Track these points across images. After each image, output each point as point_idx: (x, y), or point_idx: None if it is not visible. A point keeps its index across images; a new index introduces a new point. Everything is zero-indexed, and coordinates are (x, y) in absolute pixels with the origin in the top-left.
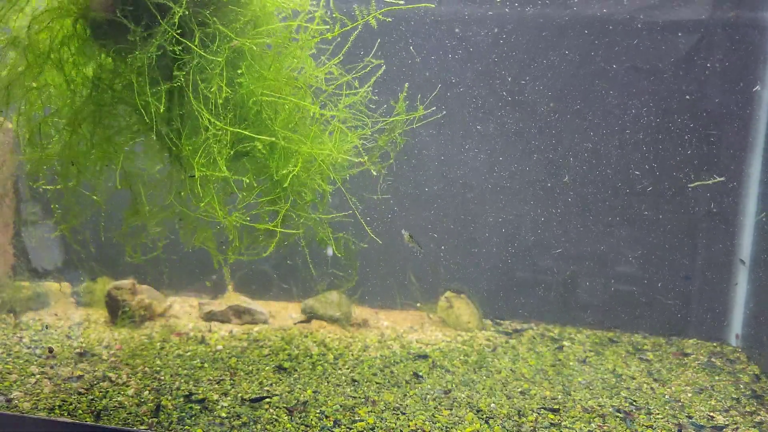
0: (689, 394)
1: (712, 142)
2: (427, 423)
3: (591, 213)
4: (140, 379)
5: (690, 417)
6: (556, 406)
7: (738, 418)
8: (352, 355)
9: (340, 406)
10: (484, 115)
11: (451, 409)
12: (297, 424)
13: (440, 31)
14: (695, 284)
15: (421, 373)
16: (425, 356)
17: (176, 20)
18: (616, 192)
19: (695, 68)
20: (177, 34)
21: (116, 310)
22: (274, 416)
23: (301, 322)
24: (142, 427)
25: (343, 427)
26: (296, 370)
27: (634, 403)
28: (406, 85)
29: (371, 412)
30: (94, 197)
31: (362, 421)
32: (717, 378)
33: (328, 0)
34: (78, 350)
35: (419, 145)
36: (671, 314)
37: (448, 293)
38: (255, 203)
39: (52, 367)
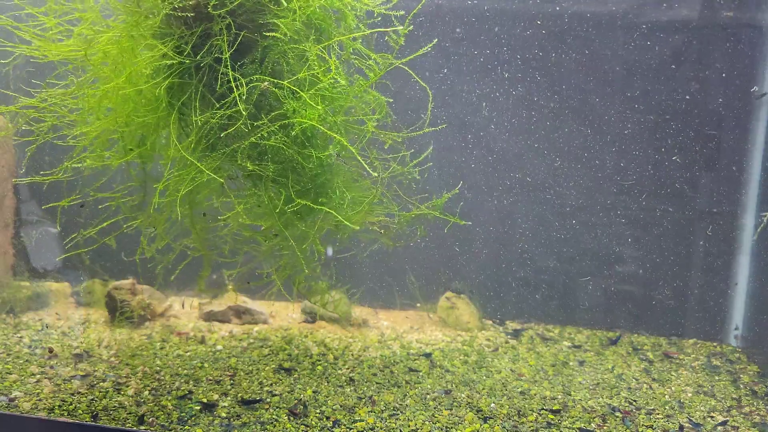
0: (689, 394)
1: (712, 142)
2: (427, 423)
3: (591, 213)
4: (140, 379)
5: (690, 417)
6: (556, 406)
7: (738, 418)
8: (352, 355)
9: (340, 406)
10: (483, 111)
11: (451, 409)
12: (297, 424)
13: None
14: (695, 284)
15: (417, 369)
16: (428, 355)
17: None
18: (617, 192)
19: (695, 68)
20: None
21: (116, 310)
22: (274, 416)
23: (307, 321)
24: (142, 427)
25: (343, 427)
26: (296, 370)
27: (634, 403)
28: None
29: (371, 412)
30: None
31: (362, 421)
32: (717, 378)
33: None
34: (77, 350)
35: (419, 146)
36: (671, 314)
37: (448, 293)
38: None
39: (52, 367)
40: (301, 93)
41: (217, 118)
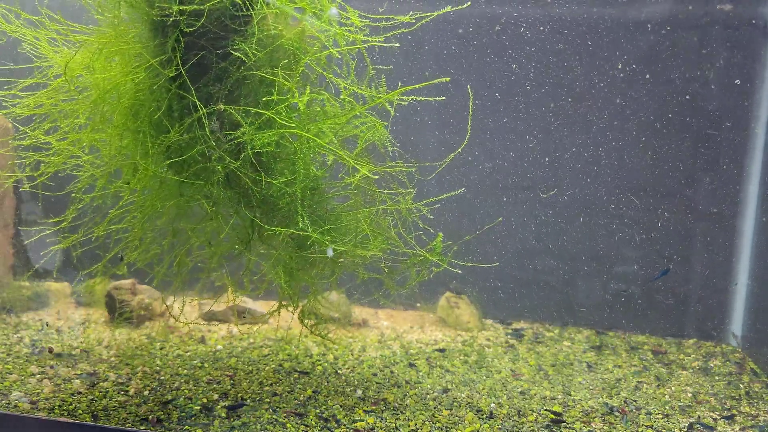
0: (689, 394)
1: (712, 141)
2: (427, 423)
3: (591, 213)
4: (140, 379)
5: (690, 417)
6: (556, 406)
7: (738, 418)
8: (352, 355)
9: (340, 406)
10: (482, 113)
11: (451, 409)
12: (297, 424)
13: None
14: (695, 284)
15: (417, 369)
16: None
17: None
18: (617, 192)
19: (695, 67)
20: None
21: (116, 310)
22: (274, 416)
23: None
24: (142, 427)
25: (343, 427)
26: (296, 370)
27: (634, 403)
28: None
29: (371, 412)
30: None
31: (362, 421)
32: (717, 378)
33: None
34: (77, 350)
35: (419, 143)
36: (671, 314)
37: (448, 293)
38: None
39: (52, 367)
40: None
41: (168, 141)
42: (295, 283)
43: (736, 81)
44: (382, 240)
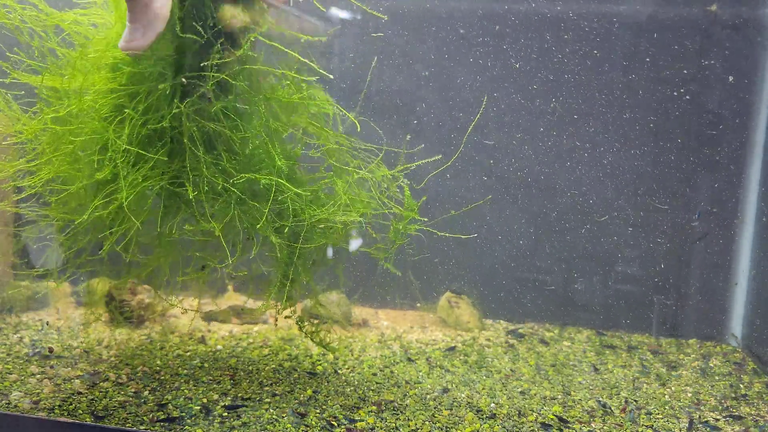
0: (689, 394)
1: (712, 142)
2: (427, 423)
3: (590, 213)
4: (140, 379)
5: (690, 417)
6: (556, 407)
7: (739, 418)
8: (352, 355)
9: (340, 406)
10: (485, 111)
11: (451, 409)
12: (297, 423)
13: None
14: (695, 284)
15: (417, 369)
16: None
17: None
18: (616, 192)
19: (695, 67)
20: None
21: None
22: (274, 416)
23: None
24: (142, 427)
25: (343, 427)
26: (296, 370)
27: (635, 403)
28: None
29: (371, 412)
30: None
31: (362, 421)
32: (716, 378)
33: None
34: (78, 350)
35: (417, 142)
36: (671, 314)
37: (448, 293)
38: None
39: (52, 367)
40: None
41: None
42: (283, 269)
43: (730, 78)
44: (363, 205)
